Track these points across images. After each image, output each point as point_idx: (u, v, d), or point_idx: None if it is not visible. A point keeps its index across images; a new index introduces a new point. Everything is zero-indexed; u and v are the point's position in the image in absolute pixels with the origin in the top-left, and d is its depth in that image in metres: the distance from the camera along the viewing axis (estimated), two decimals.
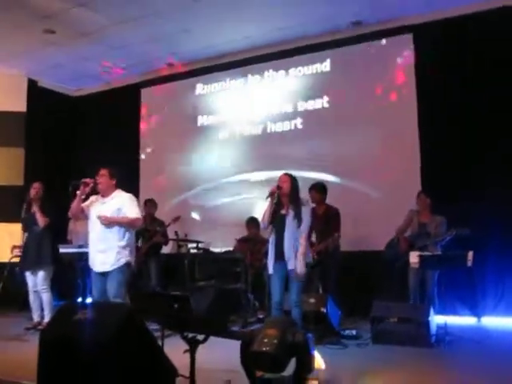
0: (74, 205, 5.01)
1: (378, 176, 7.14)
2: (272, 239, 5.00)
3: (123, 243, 4.93)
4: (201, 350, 3.33)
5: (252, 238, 7.15)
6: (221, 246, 7.58)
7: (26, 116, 9.03)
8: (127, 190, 5.23)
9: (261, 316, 6.34)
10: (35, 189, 6.17)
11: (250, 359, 3.52)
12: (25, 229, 6.35)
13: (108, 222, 4.89)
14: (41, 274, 6.10)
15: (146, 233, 7.21)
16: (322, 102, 7.70)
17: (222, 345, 3.64)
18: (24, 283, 6.26)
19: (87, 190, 5.00)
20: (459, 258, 5.20)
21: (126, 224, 4.96)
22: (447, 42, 6.83)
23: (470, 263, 5.10)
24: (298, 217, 4.84)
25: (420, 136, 6.89)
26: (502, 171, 6.30)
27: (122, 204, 5.01)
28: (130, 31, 7.42)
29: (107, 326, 3.12)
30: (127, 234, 4.99)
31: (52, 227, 6.20)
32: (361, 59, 7.46)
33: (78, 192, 4.97)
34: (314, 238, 6.09)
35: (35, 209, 6.09)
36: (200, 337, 3.33)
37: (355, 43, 7.49)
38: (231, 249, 7.32)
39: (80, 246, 6.94)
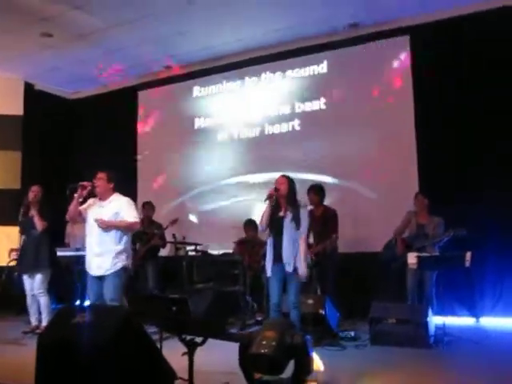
0: (72, 208, 4.99)
1: (375, 177, 7.15)
2: (270, 241, 5.00)
3: (120, 247, 4.92)
4: (199, 353, 3.33)
5: (250, 240, 7.16)
6: (219, 249, 7.57)
7: (22, 119, 9.02)
8: (125, 193, 5.22)
9: (259, 318, 6.34)
10: (34, 192, 6.15)
11: (248, 361, 3.52)
12: (22, 232, 6.33)
13: (105, 226, 4.88)
14: (38, 277, 6.09)
15: (144, 235, 7.20)
16: (319, 104, 7.71)
17: (221, 347, 3.65)
18: (22, 287, 6.25)
19: (85, 193, 4.99)
20: (457, 259, 5.21)
21: (123, 228, 4.95)
22: (443, 43, 6.83)
23: (467, 264, 5.11)
24: (295, 219, 4.84)
25: (417, 137, 6.89)
26: (498, 172, 6.31)
27: (120, 208, 4.99)
28: (126, 34, 7.42)
29: (105, 329, 3.12)
30: (124, 238, 4.98)
31: (50, 230, 6.19)
32: (357, 61, 7.47)
33: (75, 195, 4.96)
34: (311, 240, 6.09)
35: (33, 212, 6.07)
36: (198, 339, 3.33)
37: (352, 45, 7.50)
38: (229, 251, 7.31)
39: (78, 250, 6.92)
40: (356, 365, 4.53)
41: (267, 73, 8.20)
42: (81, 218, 5.12)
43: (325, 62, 7.74)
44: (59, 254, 6.63)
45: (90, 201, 5.14)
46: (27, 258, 6.11)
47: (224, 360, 4.11)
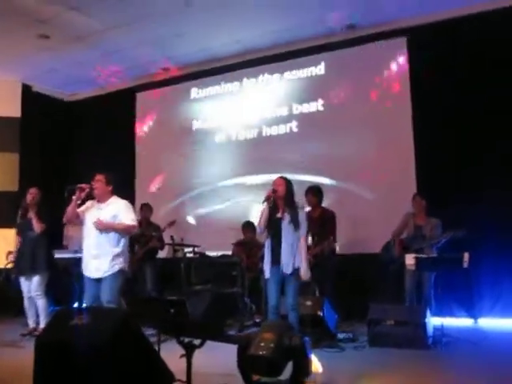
0: (70, 210, 4.99)
1: (373, 179, 7.15)
2: (268, 243, 4.99)
3: (118, 250, 4.91)
4: (197, 355, 3.33)
5: (248, 241, 7.16)
6: (217, 250, 7.56)
7: (20, 121, 9.01)
8: (123, 195, 5.21)
9: (257, 320, 6.32)
10: (32, 194, 6.15)
11: (246, 363, 3.52)
12: (19, 234, 6.32)
13: (103, 227, 4.87)
14: (35, 279, 6.08)
15: (142, 237, 7.19)
16: (317, 105, 7.71)
17: (219, 349, 3.64)
18: (19, 289, 6.23)
19: (83, 195, 4.98)
20: (455, 260, 5.21)
21: (120, 230, 4.94)
22: (441, 44, 6.84)
23: (466, 265, 5.11)
24: (294, 220, 4.83)
25: (415, 138, 6.90)
26: (497, 173, 6.32)
27: (118, 211, 4.99)
28: (123, 36, 7.42)
29: (103, 331, 3.11)
30: (122, 241, 4.97)
31: (47, 233, 6.18)
32: (355, 62, 7.48)
33: (73, 197, 4.95)
34: (309, 241, 6.08)
35: (31, 215, 6.07)
36: (196, 341, 3.33)
37: (349, 46, 7.52)
38: (227, 253, 7.30)
39: (76, 252, 6.91)
40: (355, 366, 4.52)
41: (265, 74, 8.21)
42: (78, 221, 5.11)
43: (322, 64, 7.74)
44: (57, 256, 6.63)
45: (88, 203, 5.13)
46: (24, 260, 6.10)
47: (222, 362, 4.11)
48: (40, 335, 3.69)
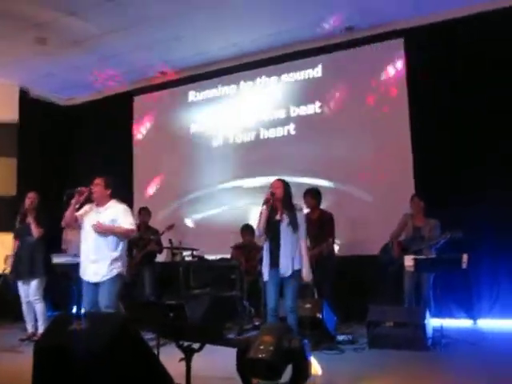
0: (68, 213, 4.98)
1: (371, 180, 7.15)
2: (266, 246, 4.98)
3: (116, 254, 4.90)
4: (196, 358, 3.32)
5: (247, 244, 7.15)
6: (215, 254, 7.56)
7: (18, 126, 8.99)
8: (121, 199, 5.21)
9: (257, 323, 6.31)
10: (30, 199, 6.14)
11: (246, 366, 3.51)
12: (17, 238, 6.31)
13: (102, 231, 4.86)
14: (33, 284, 6.06)
15: (140, 241, 7.18)
16: (315, 108, 7.71)
17: (218, 352, 3.63)
18: (18, 293, 6.22)
19: (82, 199, 4.98)
20: (454, 261, 5.21)
21: (119, 234, 4.93)
22: (438, 45, 6.85)
23: (464, 266, 5.11)
24: (292, 222, 4.83)
25: (412, 139, 6.90)
26: (495, 174, 6.32)
27: (117, 215, 4.98)
28: (121, 40, 7.43)
29: (102, 336, 3.11)
30: (120, 245, 4.96)
31: (46, 237, 6.17)
32: (352, 64, 7.48)
33: (72, 201, 4.94)
34: (308, 243, 6.08)
35: (30, 219, 6.06)
36: (195, 345, 3.32)
37: (346, 48, 7.53)
38: (226, 256, 7.29)
39: (75, 256, 6.90)
40: (354, 368, 4.52)
41: (262, 77, 8.21)
42: (77, 224, 5.10)
43: (319, 66, 7.75)
44: (55, 260, 6.61)
45: (87, 207, 5.12)
46: (22, 265, 6.09)
47: (221, 365, 4.10)
48: (39, 340, 3.68)
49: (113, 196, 5.10)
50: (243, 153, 8.23)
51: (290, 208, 4.89)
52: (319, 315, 5.43)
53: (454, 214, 6.05)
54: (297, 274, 4.79)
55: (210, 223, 8.28)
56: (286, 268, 4.77)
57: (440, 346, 5.08)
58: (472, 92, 6.58)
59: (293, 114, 7.88)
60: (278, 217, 4.91)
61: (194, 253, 7.24)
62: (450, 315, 6.32)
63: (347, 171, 7.32)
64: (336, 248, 6.48)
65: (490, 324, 6.23)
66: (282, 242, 4.82)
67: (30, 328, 6.19)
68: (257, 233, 5.18)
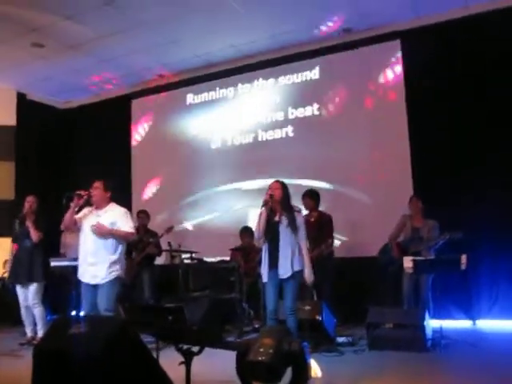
0: (67, 217, 4.98)
1: (369, 181, 7.16)
2: (265, 247, 4.98)
3: (115, 257, 4.91)
4: (196, 361, 3.32)
5: (246, 246, 7.15)
6: (214, 256, 7.55)
7: (15, 129, 9.00)
8: (120, 202, 5.21)
9: (256, 325, 6.31)
10: (29, 203, 6.13)
11: (245, 369, 3.51)
12: (15, 241, 6.30)
13: (102, 232, 4.86)
14: (32, 288, 6.05)
15: (139, 244, 7.18)
16: (312, 110, 7.72)
17: (218, 355, 3.63)
18: (17, 298, 6.21)
19: (81, 202, 4.98)
20: (453, 262, 5.21)
21: (118, 236, 4.94)
22: (436, 46, 6.86)
23: (463, 266, 5.12)
24: (291, 223, 4.83)
25: (410, 140, 6.91)
26: (494, 174, 6.32)
27: (116, 218, 4.99)
28: (118, 43, 7.43)
29: (101, 339, 3.10)
30: (119, 248, 4.97)
31: (44, 241, 6.16)
32: (350, 66, 7.50)
33: (71, 204, 4.94)
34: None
35: (29, 223, 6.05)
36: (195, 348, 3.32)
37: (343, 50, 7.54)
38: (225, 258, 7.29)
39: (74, 259, 6.89)
40: (354, 370, 4.51)
41: (260, 79, 8.23)
42: (76, 227, 5.10)
43: (317, 68, 7.77)
44: (53, 264, 6.59)
45: (86, 210, 5.12)
46: (21, 269, 6.07)
47: (221, 368, 4.09)
48: (38, 344, 3.67)
49: (112, 199, 5.11)
50: (241, 155, 8.23)
51: (289, 209, 4.89)
52: (319, 317, 5.42)
53: (453, 215, 6.06)
54: (296, 275, 4.78)
55: (209, 225, 8.28)
56: (285, 269, 4.76)
57: (439, 347, 5.08)
58: (470, 92, 6.59)
59: (291, 116, 7.88)
60: (276, 218, 4.90)
61: (193, 255, 7.24)
62: (450, 316, 6.32)
63: (346, 173, 7.32)
64: (334, 249, 6.46)
65: (490, 325, 6.23)
66: (281, 243, 4.82)
67: (29, 332, 6.18)
68: (256, 235, 5.17)
